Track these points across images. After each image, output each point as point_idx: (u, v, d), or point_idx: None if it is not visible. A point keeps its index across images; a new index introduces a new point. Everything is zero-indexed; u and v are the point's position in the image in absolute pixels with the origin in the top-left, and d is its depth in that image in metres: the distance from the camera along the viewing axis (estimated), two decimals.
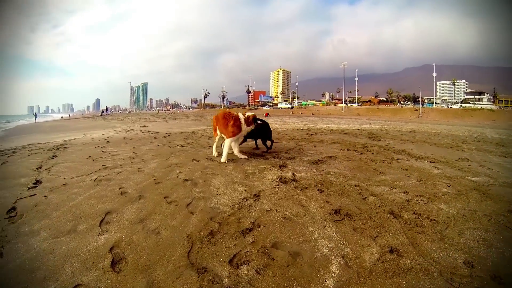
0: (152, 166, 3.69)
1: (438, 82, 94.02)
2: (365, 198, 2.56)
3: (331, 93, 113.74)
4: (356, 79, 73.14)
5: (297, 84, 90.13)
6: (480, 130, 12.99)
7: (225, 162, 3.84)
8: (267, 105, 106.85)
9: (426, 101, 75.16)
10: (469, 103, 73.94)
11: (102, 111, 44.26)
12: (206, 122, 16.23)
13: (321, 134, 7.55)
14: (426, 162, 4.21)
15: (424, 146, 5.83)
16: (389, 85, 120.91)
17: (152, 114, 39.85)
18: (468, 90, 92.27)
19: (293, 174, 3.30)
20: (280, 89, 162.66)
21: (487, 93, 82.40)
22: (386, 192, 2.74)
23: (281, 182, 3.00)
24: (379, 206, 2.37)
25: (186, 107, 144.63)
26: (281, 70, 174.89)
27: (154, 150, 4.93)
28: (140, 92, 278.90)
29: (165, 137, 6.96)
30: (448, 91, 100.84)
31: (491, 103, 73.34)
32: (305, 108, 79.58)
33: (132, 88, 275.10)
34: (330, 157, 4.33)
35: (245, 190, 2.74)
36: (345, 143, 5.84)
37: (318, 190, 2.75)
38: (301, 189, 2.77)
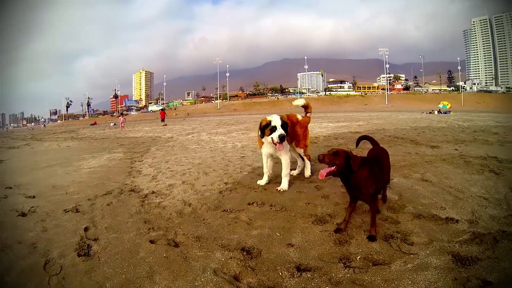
0: None
1: (299, 74, 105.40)
2: None
3: (196, 92, 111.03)
4: (228, 74, 75.50)
5: (164, 84, 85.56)
6: (431, 117, 14.56)
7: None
8: (133, 110, 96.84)
9: (291, 91, 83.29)
10: (333, 91, 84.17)
11: None
12: (94, 144, 9.53)
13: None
14: None
15: (486, 148, 4.85)
16: (251, 79, 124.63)
17: (5, 135, 25.20)
18: (330, 80, 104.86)
19: None
20: (144, 91, 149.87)
21: (347, 81, 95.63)
22: None
23: None
24: None
25: (45, 121, 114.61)
26: (144, 72, 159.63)
27: None
28: None
29: None
30: (308, 81, 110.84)
31: (352, 89, 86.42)
32: (175, 108, 74.02)
33: None
34: None
35: None
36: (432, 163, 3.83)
37: None
38: None
